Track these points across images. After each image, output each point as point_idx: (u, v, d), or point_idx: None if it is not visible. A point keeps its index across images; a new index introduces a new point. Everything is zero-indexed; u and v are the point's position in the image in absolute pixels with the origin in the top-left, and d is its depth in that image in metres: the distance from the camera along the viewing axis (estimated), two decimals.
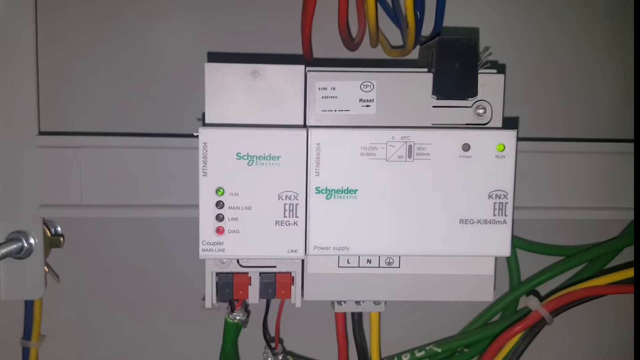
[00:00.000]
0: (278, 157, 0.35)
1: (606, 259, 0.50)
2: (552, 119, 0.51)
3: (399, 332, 0.51)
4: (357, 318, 0.46)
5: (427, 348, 0.50)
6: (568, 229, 0.52)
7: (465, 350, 0.50)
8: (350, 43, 0.44)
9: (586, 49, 0.50)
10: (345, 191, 0.36)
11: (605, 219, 0.48)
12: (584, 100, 0.51)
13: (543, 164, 0.47)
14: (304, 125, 0.37)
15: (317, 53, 0.47)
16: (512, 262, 0.50)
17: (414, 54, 0.45)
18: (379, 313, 0.44)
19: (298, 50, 0.45)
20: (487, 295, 0.40)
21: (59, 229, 0.49)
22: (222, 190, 0.35)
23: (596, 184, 0.48)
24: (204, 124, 0.36)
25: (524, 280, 0.50)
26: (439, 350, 0.50)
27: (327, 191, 0.36)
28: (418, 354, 0.50)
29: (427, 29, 0.45)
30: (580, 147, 0.48)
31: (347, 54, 0.46)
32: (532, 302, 0.45)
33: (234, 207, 0.36)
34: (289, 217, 0.36)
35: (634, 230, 0.46)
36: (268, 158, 0.35)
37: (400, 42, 0.47)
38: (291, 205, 0.36)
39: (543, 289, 0.51)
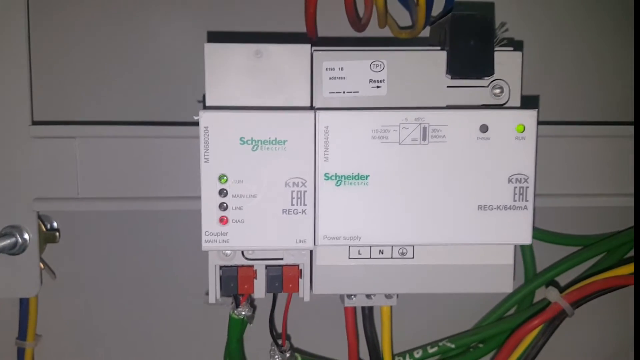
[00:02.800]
0: (284, 142, 0.34)
1: (626, 249, 0.48)
2: (567, 102, 0.49)
3: (410, 327, 0.50)
4: (368, 313, 0.44)
5: (440, 344, 0.49)
6: (585, 218, 0.50)
7: (480, 345, 0.48)
8: (357, 23, 0.42)
9: (602, 27, 0.49)
10: (356, 177, 0.34)
11: (625, 206, 0.46)
12: (602, 82, 0.49)
13: (558, 149, 0.46)
14: (311, 108, 0.35)
15: (322, 33, 0.45)
16: (527, 253, 0.48)
17: (423, 39, 0.43)
18: (391, 307, 0.42)
19: (301, 28, 0.43)
20: (506, 286, 0.38)
21: (54, 224, 0.48)
22: (225, 177, 0.34)
23: (614, 169, 0.46)
24: (205, 107, 0.34)
25: (539, 271, 0.49)
26: (453, 346, 0.48)
27: (337, 177, 0.34)
28: (431, 350, 0.49)
29: (437, 8, 0.43)
30: (598, 131, 0.46)
31: (353, 34, 0.44)
32: (552, 294, 0.43)
33: (238, 196, 0.34)
34: (297, 205, 0.34)
35: (634, 226, 0.44)
36: (274, 142, 0.34)
37: (408, 24, 0.46)
38: (299, 193, 0.34)
39: (559, 281, 0.49)
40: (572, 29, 0.49)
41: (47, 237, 0.46)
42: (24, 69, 0.43)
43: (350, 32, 0.44)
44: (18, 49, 0.43)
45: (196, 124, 0.34)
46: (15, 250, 0.44)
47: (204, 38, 0.46)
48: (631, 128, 0.45)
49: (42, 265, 0.46)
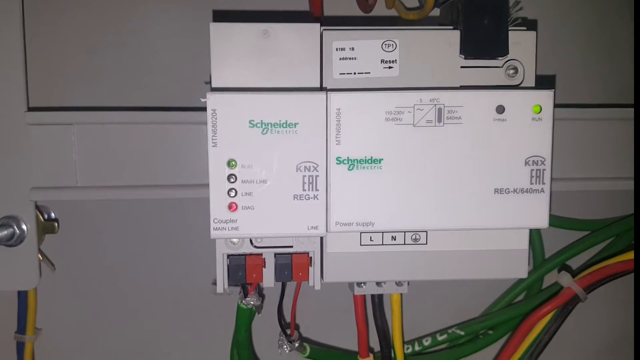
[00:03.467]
0: (295, 124, 0.32)
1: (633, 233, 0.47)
2: (574, 83, 0.49)
3: (417, 314, 0.50)
4: (378, 301, 0.43)
5: (450, 331, 0.48)
6: (592, 202, 0.50)
7: (490, 332, 0.48)
8: (364, 3, 0.41)
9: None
10: (369, 161, 0.33)
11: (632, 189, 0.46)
12: (607, 64, 0.49)
13: (565, 132, 0.45)
14: (322, 89, 0.34)
15: (326, 12, 0.44)
16: (535, 239, 0.48)
17: (430, 22, 0.42)
18: (401, 295, 0.41)
19: (304, 6, 0.42)
20: (520, 271, 0.37)
21: (52, 214, 0.47)
22: (234, 162, 0.33)
23: (619, 151, 0.46)
24: (213, 89, 0.33)
25: (548, 257, 0.48)
26: (462, 333, 0.48)
27: (349, 161, 0.33)
28: (440, 338, 0.48)
29: None
30: (605, 114, 0.45)
31: (359, 13, 0.43)
32: (564, 279, 0.43)
33: (247, 181, 0.33)
34: (309, 190, 0.33)
35: (634, 220, 0.43)
36: (284, 125, 0.32)
37: (414, 5, 0.45)
38: (311, 178, 0.33)
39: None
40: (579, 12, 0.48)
41: (46, 227, 0.45)
42: (19, 52, 0.41)
43: (356, 10, 0.43)
44: (13, 32, 0.41)
45: (199, 109, 0.32)
46: (12, 241, 0.43)
47: (207, 19, 0.45)
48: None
49: (40, 257, 0.45)
